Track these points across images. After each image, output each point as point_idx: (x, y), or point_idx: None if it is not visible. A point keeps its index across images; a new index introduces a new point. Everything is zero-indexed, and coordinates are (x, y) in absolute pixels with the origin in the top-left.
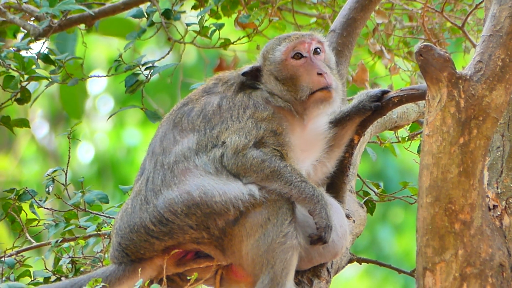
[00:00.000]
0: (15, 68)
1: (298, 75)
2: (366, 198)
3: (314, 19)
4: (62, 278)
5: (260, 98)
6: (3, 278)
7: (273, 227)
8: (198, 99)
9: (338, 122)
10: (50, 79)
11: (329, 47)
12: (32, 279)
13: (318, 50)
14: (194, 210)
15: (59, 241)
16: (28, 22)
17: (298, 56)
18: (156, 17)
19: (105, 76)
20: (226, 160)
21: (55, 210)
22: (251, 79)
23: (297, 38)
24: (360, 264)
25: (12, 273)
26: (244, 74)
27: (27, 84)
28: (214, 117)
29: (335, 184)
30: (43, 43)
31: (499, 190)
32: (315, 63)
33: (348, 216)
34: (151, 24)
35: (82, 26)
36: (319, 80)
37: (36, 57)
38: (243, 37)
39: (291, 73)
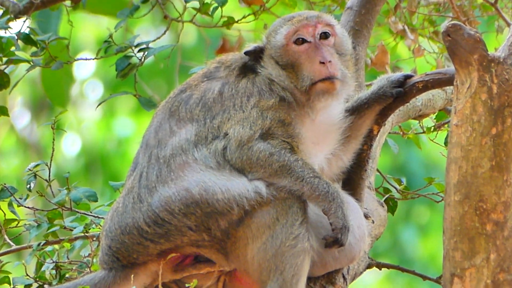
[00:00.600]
0: None
1: (299, 63)
2: (387, 195)
3: None
4: (45, 286)
5: (264, 84)
6: None
7: (282, 229)
8: (198, 85)
9: (356, 110)
10: (31, 62)
11: (343, 29)
12: (12, 286)
13: (327, 33)
14: (193, 209)
15: (41, 244)
16: None
17: (300, 41)
18: None
19: (93, 59)
20: (229, 153)
21: (37, 209)
22: (253, 60)
23: (300, 21)
24: (380, 269)
25: None
26: (246, 53)
27: (5, 68)
28: (215, 106)
29: (352, 180)
30: (24, 21)
31: None
32: (319, 49)
33: (366, 216)
34: (145, 0)
35: (68, 2)
36: (321, 69)
37: (16, 37)
38: (249, 15)
39: (292, 60)
